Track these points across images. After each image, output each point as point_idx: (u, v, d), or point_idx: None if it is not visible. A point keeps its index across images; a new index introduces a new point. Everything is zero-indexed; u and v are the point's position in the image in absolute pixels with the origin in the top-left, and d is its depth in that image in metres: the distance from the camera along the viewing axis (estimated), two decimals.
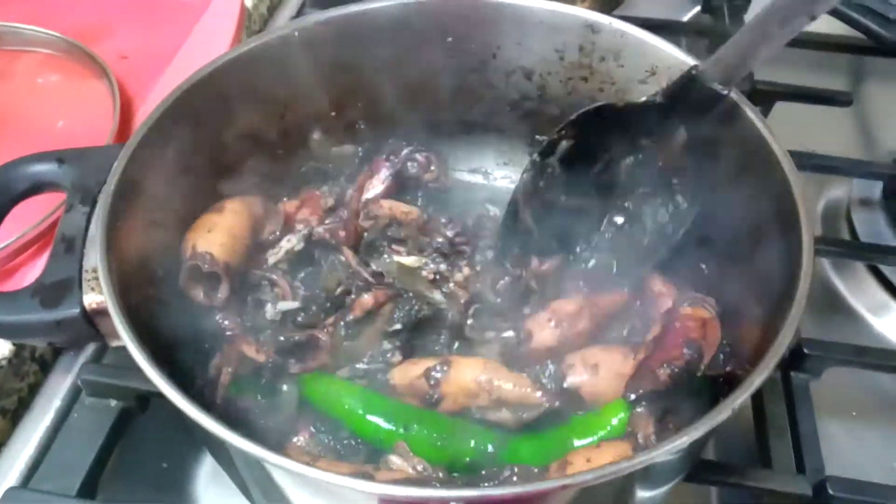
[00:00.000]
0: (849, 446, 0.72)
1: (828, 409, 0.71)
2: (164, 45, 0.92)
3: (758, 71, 0.99)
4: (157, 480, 0.68)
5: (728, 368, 0.59)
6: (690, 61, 0.63)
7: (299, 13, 1.06)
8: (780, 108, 0.95)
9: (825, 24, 1.05)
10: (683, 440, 0.44)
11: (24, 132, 0.83)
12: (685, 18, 1.13)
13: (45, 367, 0.71)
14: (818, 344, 0.69)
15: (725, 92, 0.59)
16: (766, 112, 0.95)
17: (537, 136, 0.77)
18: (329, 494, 0.47)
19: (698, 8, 1.13)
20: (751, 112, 0.60)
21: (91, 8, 0.99)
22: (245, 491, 0.60)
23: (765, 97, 0.93)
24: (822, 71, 1.05)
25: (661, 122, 0.64)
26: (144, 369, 0.47)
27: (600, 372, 0.61)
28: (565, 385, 0.61)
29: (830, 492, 0.60)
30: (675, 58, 0.65)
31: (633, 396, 0.58)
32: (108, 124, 0.81)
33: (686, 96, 0.60)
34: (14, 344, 0.68)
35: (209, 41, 0.93)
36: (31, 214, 0.70)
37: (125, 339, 0.48)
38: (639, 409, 0.56)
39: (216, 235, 0.61)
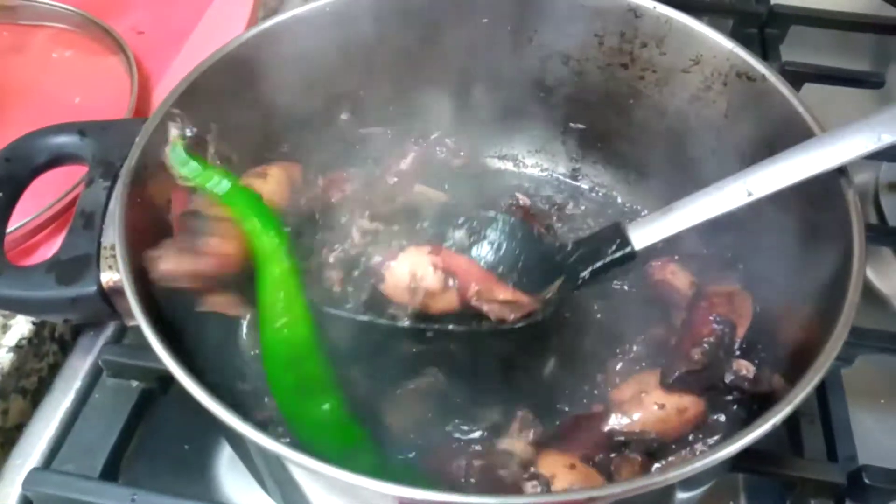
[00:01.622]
0: (878, 434, 0.70)
1: (855, 397, 0.70)
2: (180, 20, 0.91)
3: (786, 52, 0.98)
4: (179, 463, 0.67)
5: (769, 386, 0.57)
6: (738, 50, 0.62)
7: None
8: (806, 89, 0.93)
9: (850, 3, 1.03)
10: (728, 451, 0.43)
11: (41, 107, 0.82)
12: None
13: (65, 347, 0.70)
14: (851, 331, 0.68)
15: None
16: (782, 36, 0.96)
17: (571, 124, 0.76)
18: (344, 492, 0.46)
19: None
20: (790, 95, 0.59)
21: None
22: (259, 480, 0.60)
23: (794, 78, 0.91)
24: (845, 52, 1.03)
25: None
26: (157, 350, 0.46)
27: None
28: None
29: (866, 481, 0.59)
30: (722, 46, 0.63)
31: (670, 380, 0.57)
32: (125, 100, 0.79)
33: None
34: (33, 323, 0.67)
35: (226, 17, 0.91)
36: (50, 191, 0.69)
37: (139, 319, 0.47)
38: None
39: None
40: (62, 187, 0.69)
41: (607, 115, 0.74)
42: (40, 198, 0.67)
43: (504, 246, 0.63)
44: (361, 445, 0.53)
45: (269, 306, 0.53)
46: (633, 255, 0.60)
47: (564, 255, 0.62)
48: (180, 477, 0.67)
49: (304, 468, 0.42)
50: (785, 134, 0.59)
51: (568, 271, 0.61)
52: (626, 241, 0.60)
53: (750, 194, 0.55)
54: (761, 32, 1.00)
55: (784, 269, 0.61)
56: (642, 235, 0.60)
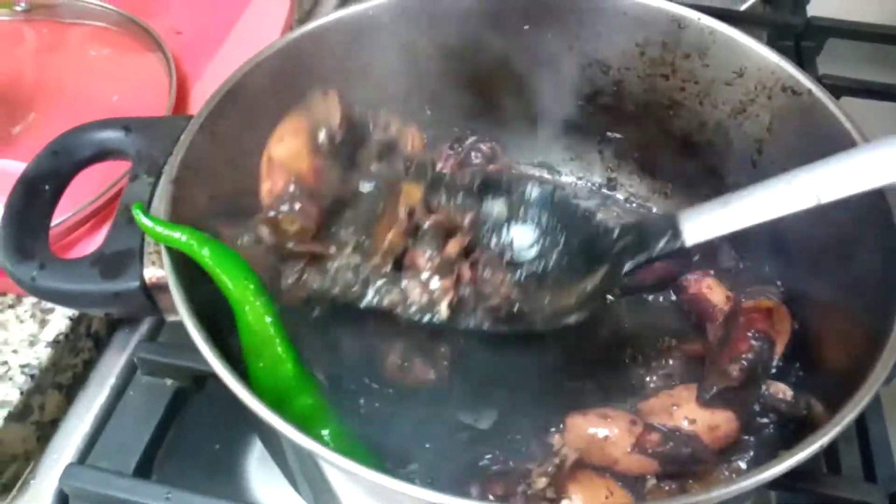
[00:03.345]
0: None
1: (893, 414, 0.69)
2: (218, 22, 0.91)
3: (822, 65, 0.97)
4: (209, 461, 0.68)
5: (806, 410, 0.57)
6: (784, 64, 0.61)
7: None
8: (843, 103, 0.92)
9: (888, 16, 1.02)
10: (771, 473, 0.42)
11: (79, 105, 0.82)
12: (742, 8, 1.10)
13: (100, 344, 0.71)
14: None
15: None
16: (818, 48, 0.95)
17: (608, 133, 0.76)
18: (380, 497, 0.46)
19: None
20: (837, 110, 0.59)
21: None
22: (292, 480, 0.60)
23: (830, 92, 0.90)
24: (884, 65, 1.02)
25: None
26: (200, 347, 0.46)
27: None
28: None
29: None
30: (768, 60, 0.63)
31: (707, 397, 0.57)
32: (163, 99, 0.80)
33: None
34: (70, 319, 0.67)
35: (263, 19, 0.91)
36: (92, 187, 0.69)
37: (184, 316, 0.47)
38: None
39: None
40: (104, 182, 0.69)
41: (646, 125, 0.73)
42: (81, 194, 0.67)
43: (546, 219, 0.58)
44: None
45: (249, 348, 0.52)
46: (684, 251, 0.53)
47: (609, 241, 0.56)
48: (211, 475, 0.67)
49: (342, 470, 0.42)
50: (829, 149, 0.58)
51: (611, 261, 0.55)
52: (678, 234, 0.53)
53: (819, 198, 0.49)
54: (797, 45, 0.99)
55: (824, 286, 0.61)
56: (696, 229, 0.52)
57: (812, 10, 1.05)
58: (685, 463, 0.55)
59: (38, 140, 0.59)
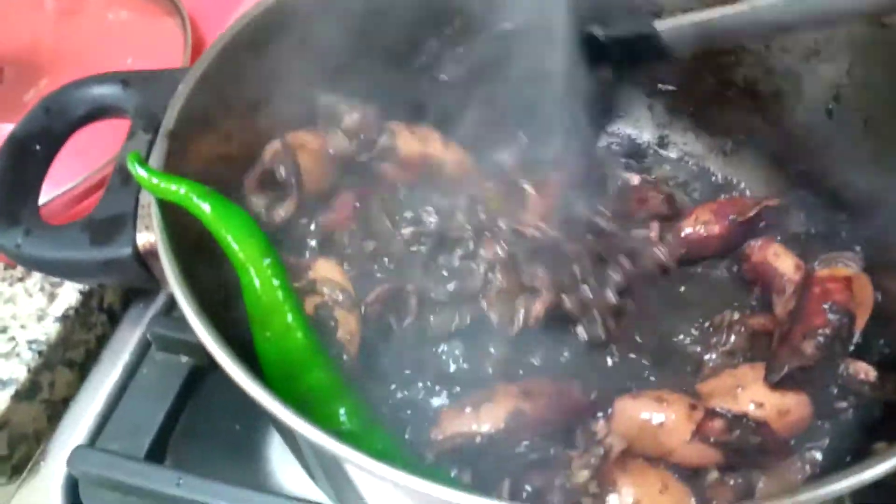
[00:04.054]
0: None
1: None
2: None
3: None
4: (228, 444, 0.64)
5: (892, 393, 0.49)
6: None
7: None
8: None
9: None
10: (866, 476, 0.37)
11: (92, 70, 0.78)
12: None
13: (114, 318, 0.67)
14: None
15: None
16: None
17: (659, 86, 0.69)
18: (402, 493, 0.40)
19: None
20: None
21: None
22: (305, 466, 0.55)
23: None
24: None
25: None
26: (191, 321, 0.41)
27: None
28: None
29: None
30: None
31: (777, 378, 0.49)
32: (178, 62, 0.76)
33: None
34: (81, 293, 0.64)
35: None
36: (98, 156, 0.65)
37: (173, 284, 0.42)
38: None
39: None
40: (110, 151, 0.65)
41: (702, 75, 0.66)
42: (86, 163, 0.64)
43: None
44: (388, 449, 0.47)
45: (254, 316, 0.47)
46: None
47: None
48: (230, 459, 0.63)
49: (357, 467, 0.37)
50: None
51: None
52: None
53: None
54: None
55: None
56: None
57: None
58: (752, 454, 0.48)
59: None
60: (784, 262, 0.59)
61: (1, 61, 0.79)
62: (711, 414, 0.48)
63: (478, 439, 0.47)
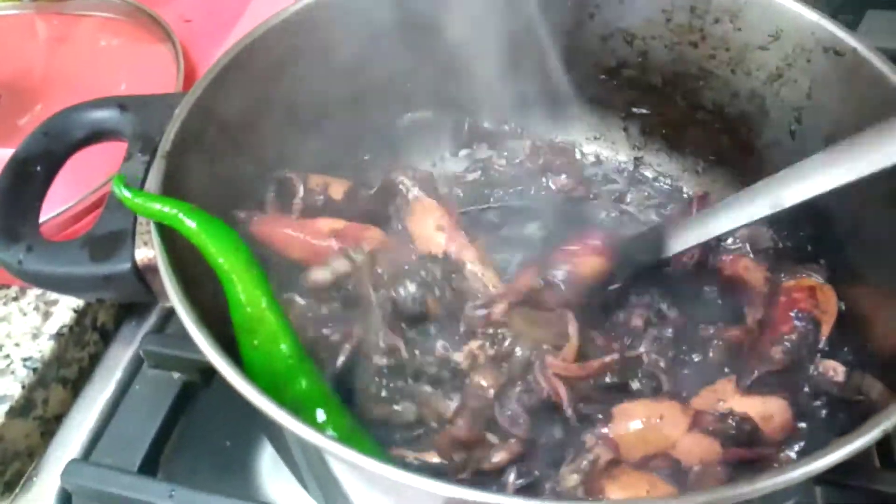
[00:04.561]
0: None
1: None
2: (227, 9, 0.89)
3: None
4: (220, 459, 0.65)
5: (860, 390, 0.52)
6: (825, 23, 0.56)
7: None
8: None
9: None
10: (813, 467, 0.38)
11: (86, 95, 0.78)
12: None
13: (107, 336, 0.69)
14: None
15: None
16: (856, 21, 0.88)
17: (633, 109, 0.71)
18: (387, 490, 0.42)
19: None
20: (888, 69, 0.54)
21: None
22: (300, 478, 0.57)
23: (854, 4, 0.85)
24: None
25: None
26: (191, 332, 0.43)
27: None
28: None
29: None
30: (806, 19, 0.58)
31: (748, 383, 0.52)
32: (171, 87, 0.78)
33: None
34: (75, 311, 0.65)
35: (273, 5, 0.88)
36: (96, 176, 0.67)
37: (173, 297, 0.44)
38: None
39: None
40: (109, 171, 0.67)
41: (674, 98, 0.69)
42: (85, 181, 0.65)
43: None
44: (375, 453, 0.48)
45: (241, 326, 0.48)
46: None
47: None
48: (221, 473, 0.64)
49: (346, 462, 0.38)
50: (877, 113, 0.53)
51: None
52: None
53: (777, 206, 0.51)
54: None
55: (874, 265, 0.56)
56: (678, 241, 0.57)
57: None
58: (748, 441, 0.50)
59: None
60: (753, 275, 0.62)
61: None
62: (702, 412, 0.51)
63: None
